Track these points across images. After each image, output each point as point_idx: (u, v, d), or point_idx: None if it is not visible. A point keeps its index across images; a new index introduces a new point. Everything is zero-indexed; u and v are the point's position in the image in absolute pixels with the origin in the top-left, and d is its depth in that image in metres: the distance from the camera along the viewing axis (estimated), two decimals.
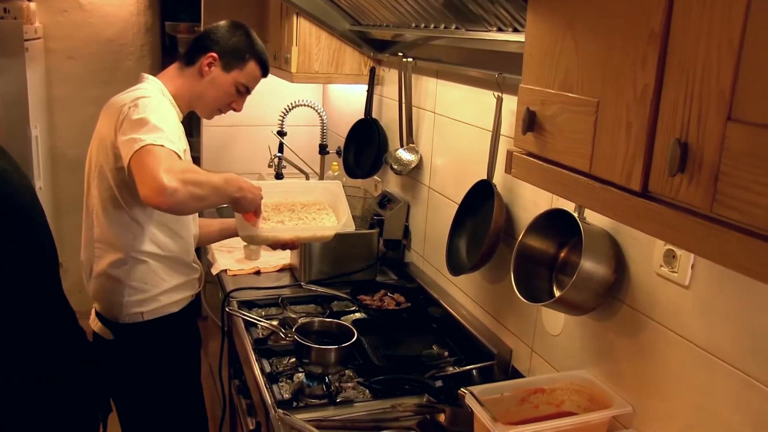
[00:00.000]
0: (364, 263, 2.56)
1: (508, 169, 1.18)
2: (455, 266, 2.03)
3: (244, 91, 2.04)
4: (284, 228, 1.99)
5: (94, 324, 2.00)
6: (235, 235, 2.21)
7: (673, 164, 0.82)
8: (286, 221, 2.03)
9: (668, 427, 1.38)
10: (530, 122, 1.11)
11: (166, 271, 1.97)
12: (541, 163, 1.11)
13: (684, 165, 0.81)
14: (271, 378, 1.88)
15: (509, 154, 1.18)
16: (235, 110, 2.07)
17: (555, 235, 1.64)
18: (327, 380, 1.84)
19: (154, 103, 1.79)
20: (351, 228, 2.05)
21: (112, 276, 1.92)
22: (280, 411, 1.51)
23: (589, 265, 1.45)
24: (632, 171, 0.90)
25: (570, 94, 1.03)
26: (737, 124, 0.75)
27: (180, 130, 1.81)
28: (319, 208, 2.13)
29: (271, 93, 3.48)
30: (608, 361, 1.55)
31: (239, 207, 1.82)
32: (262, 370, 1.93)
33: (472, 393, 1.42)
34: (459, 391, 1.43)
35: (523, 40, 1.52)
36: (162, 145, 1.61)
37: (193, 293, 2.08)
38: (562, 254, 1.65)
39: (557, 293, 1.55)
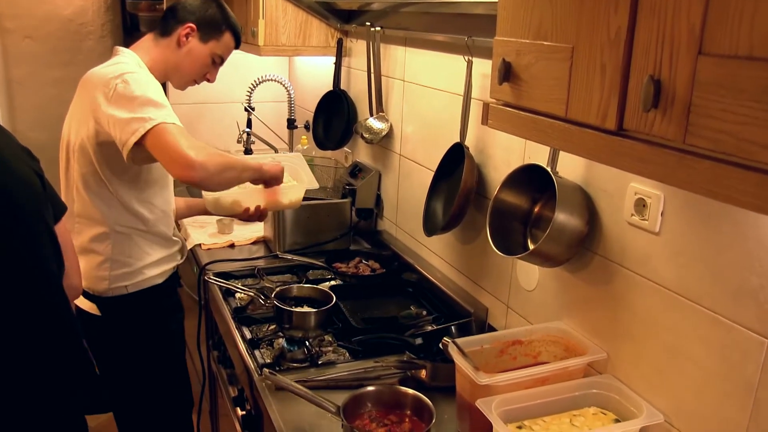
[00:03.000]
0: (338, 233, 2.57)
1: (484, 121, 1.21)
2: (430, 228, 2.05)
3: (218, 62, 2.05)
4: (249, 191, 1.99)
5: (78, 299, 1.99)
6: (203, 212, 2.24)
7: (647, 101, 0.85)
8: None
9: (641, 369, 1.43)
10: (506, 73, 1.14)
11: (149, 244, 1.98)
12: (517, 112, 1.14)
13: (657, 101, 0.85)
14: (252, 344, 1.89)
15: (485, 106, 1.21)
16: (209, 81, 2.07)
17: (529, 191, 1.67)
18: (307, 344, 1.86)
19: (143, 77, 1.77)
20: (314, 185, 2.08)
21: (94, 250, 1.91)
22: (267, 370, 1.53)
23: (562, 217, 1.49)
24: (607, 111, 0.94)
25: (545, 42, 1.07)
26: (707, 58, 0.79)
27: (162, 95, 1.79)
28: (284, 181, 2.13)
29: (237, 69, 3.47)
30: (582, 311, 1.60)
31: (272, 182, 1.91)
32: (242, 337, 1.94)
33: (455, 343, 1.45)
34: (443, 340, 1.46)
35: (492, 0, 1.55)
36: (174, 123, 1.65)
37: (175, 265, 2.08)
38: (536, 209, 1.68)
39: (532, 246, 1.59)
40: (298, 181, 2.13)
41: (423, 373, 1.67)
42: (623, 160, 0.92)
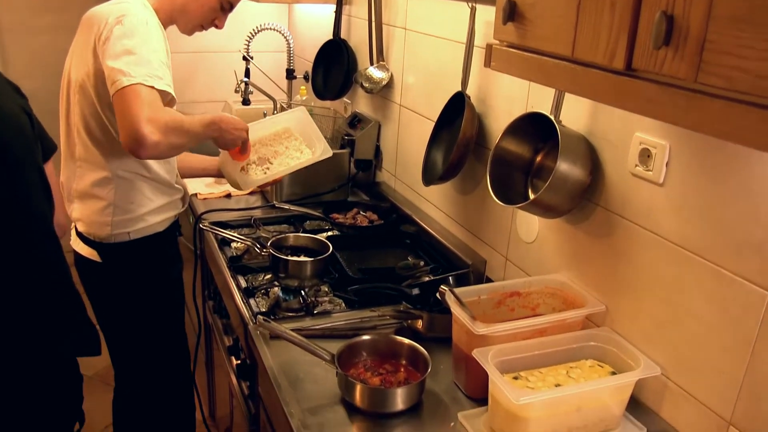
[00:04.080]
0: (336, 184, 2.55)
1: (487, 63, 1.17)
2: (428, 178, 2.03)
3: (227, 7, 1.98)
4: (264, 177, 2.00)
5: (76, 245, 1.96)
6: (216, 174, 2.21)
7: (658, 38, 0.82)
8: (267, 156, 2.04)
9: (639, 323, 1.42)
10: (510, 12, 1.10)
11: (152, 190, 1.94)
12: (521, 53, 1.10)
13: (669, 38, 0.81)
14: (248, 293, 1.88)
15: (488, 47, 1.17)
16: (217, 27, 2.00)
17: (531, 140, 1.64)
18: (303, 294, 1.84)
19: (141, 22, 1.69)
20: (329, 154, 2.04)
21: (97, 195, 1.88)
22: (261, 317, 1.51)
23: (564, 167, 1.45)
24: (616, 50, 0.90)
25: None
26: None
27: (165, 51, 1.73)
28: (288, 136, 2.12)
29: (235, 17, 3.36)
30: (582, 264, 1.58)
31: (220, 144, 1.85)
32: (237, 285, 1.92)
33: (452, 291, 1.43)
34: (440, 288, 1.44)
35: None
36: (151, 86, 1.58)
37: (177, 213, 2.06)
38: (538, 159, 1.65)
39: (532, 196, 1.56)
40: (308, 141, 2.10)
41: (419, 324, 1.65)
42: (631, 101, 0.89)
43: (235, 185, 2.01)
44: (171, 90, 1.66)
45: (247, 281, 1.96)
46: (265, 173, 2.01)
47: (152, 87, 1.59)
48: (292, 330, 1.50)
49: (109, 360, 2.13)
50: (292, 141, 2.11)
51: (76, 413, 1.74)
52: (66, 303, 1.59)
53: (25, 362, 1.50)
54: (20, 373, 1.56)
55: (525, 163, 1.66)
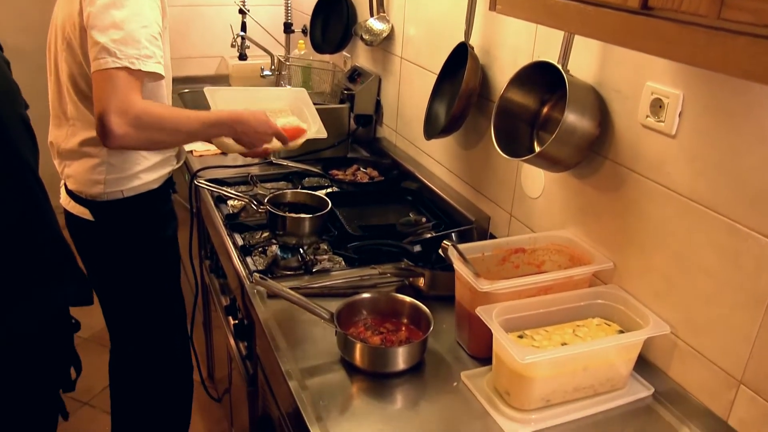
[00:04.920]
0: (335, 139, 2.52)
1: (492, 6, 1.12)
2: (430, 132, 2.00)
3: None
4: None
5: (67, 203, 1.93)
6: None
7: None
8: None
9: (648, 280, 1.38)
10: None
11: None
12: None
13: None
14: (245, 251, 1.85)
15: None
16: None
17: (538, 91, 1.59)
18: (301, 252, 1.82)
19: None
20: (323, 135, 2.00)
21: (89, 153, 1.83)
22: (257, 275, 1.49)
23: (572, 118, 1.41)
24: None
25: None
26: None
27: (157, 19, 1.64)
28: (285, 117, 2.07)
29: None
30: (589, 220, 1.54)
31: (236, 142, 1.78)
32: (234, 244, 1.90)
33: (455, 246, 1.40)
34: (443, 243, 1.42)
35: None
36: (138, 69, 1.52)
37: (171, 169, 2.02)
38: (545, 110, 1.61)
39: (538, 149, 1.52)
40: (302, 121, 2.05)
41: (421, 281, 1.64)
42: (647, 42, 0.84)
43: (221, 146, 1.97)
44: (160, 69, 1.58)
45: (244, 239, 1.94)
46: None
47: (139, 69, 1.53)
48: (291, 288, 1.48)
49: (104, 321, 2.11)
50: (289, 117, 2.07)
51: (71, 359, 1.74)
52: (56, 250, 1.56)
53: (15, 308, 1.48)
54: (10, 320, 1.55)
55: (531, 114, 1.62)
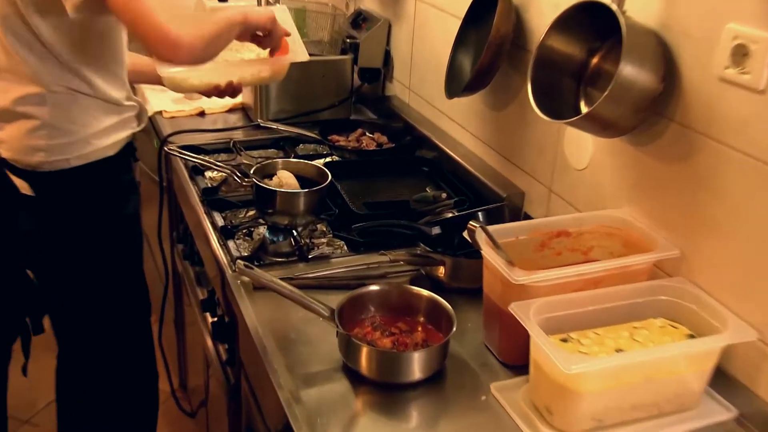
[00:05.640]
0: (335, 98, 2.53)
1: None
2: (453, 89, 1.98)
3: None
4: (217, 66, 1.92)
5: None
6: (154, 81, 2.16)
7: None
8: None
9: (727, 271, 1.35)
10: None
11: (97, 108, 1.87)
12: None
13: None
14: (226, 233, 1.84)
15: None
16: None
17: (585, 38, 1.56)
18: (295, 234, 1.81)
19: None
20: (304, 56, 1.99)
21: (26, 114, 1.80)
22: (241, 263, 1.48)
23: (629, 70, 1.37)
24: None
25: None
26: None
27: None
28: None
29: None
30: (649, 196, 1.52)
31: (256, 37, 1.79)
32: (213, 224, 1.89)
33: (484, 228, 1.37)
34: (468, 224, 1.40)
35: None
36: None
37: (132, 132, 1.99)
38: (594, 61, 1.58)
39: (586, 109, 1.49)
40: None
41: (441, 271, 1.63)
42: None
43: (171, 83, 1.97)
44: None
45: (225, 219, 1.93)
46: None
47: None
48: (282, 279, 1.47)
49: (49, 321, 2.08)
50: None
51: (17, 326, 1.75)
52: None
53: None
54: None
55: (577, 67, 1.59)
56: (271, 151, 2.36)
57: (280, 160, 1.97)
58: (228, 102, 2.62)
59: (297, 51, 1.96)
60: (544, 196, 1.84)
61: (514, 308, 1.25)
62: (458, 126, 2.22)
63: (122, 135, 1.94)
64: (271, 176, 1.90)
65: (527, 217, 1.89)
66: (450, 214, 1.75)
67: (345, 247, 1.82)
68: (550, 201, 1.82)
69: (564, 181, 1.77)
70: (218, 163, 2.02)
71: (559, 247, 1.53)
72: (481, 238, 1.39)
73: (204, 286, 2.12)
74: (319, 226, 1.90)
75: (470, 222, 1.41)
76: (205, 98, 2.44)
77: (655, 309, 1.35)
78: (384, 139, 2.36)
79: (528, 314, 1.24)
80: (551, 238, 1.52)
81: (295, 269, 1.70)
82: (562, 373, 1.15)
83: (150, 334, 2.22)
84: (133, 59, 2.11)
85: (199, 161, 2.05)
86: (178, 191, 2.27)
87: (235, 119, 2.57)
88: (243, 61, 2.02)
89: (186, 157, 2.08)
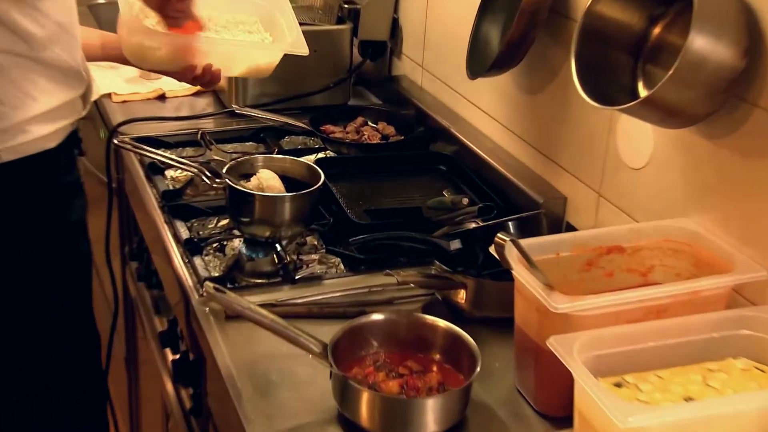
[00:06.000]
0: (330, 79, 2.55)
1: None
2: (476, 67, 1.99)
3: None
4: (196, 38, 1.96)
5: None
6: (125, 61, 2.18)
7: None
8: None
9: None
10: None
11: (37, 80, 1.85)
12: None
13: None
14: (192, 248, 1.84)
15: None
16: None
17: (645, 3, 1.57)
18: (279, 249, 1.81)
19: None
20: (303, 50, 2.03)
21: None
22: (210, 285, 1.47)
23: (701, 43, 1.36)
24: None
25: None
26: None
27: None
28: (250, 31, 2.14)
29: None
30: (726, 203, 1.51)
31: None
32: (175, 236, 1.90)
33: (515, 242, 1.36)
34: (496, 238, 1.39)
35: None
36: None
37: (76, 120, 1.98)
38: (655, 31, 1.58)
39: (645, 92, 1.48)
40: (275, 37, 2.12)
41: (461, 296, 1.62)
42: None
43: (136, 56, 2.00)
44: None
45: (190, 230, 1.94)
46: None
47: None
48: (261, 305, 1.47)
49: None
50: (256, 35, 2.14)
51: None
52: None
53: None
54: None
55: (634, 38, 1.59)
56: (249, 145, 2.36)
57: (260, 156, 1.98)
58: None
59: (295, 42, 2.01)
60: (591, 202, 1.85)
61: (554, 343, 1.24)
62: (483, 114, 2.23)
63: (65, 122, 1.93)
64: (248, 176, 1.90)
65: (570, 228, 1.89)
66: (473, 225, 1.76)
67: (341, 266, 1.82)
68: (598, 208, 1.82)
69: (617, 183, 1.77)
70: (182, 160, 2.03)
71: (611, 266, 1.52)
72: (511, 254, 1.38)
73: (163, 314, 2.12)
74: (308, 239, 1.91)
75: (498, 234, 1.41)
76: (166, 77, 2.45)
77: (736, 346, 1.33)
78: (391, 129, 2.36)
79: (571, 351, 1.22)
80: (601, 255, 1.51)
81: (279, 293, 1.70)
82: (617, 427, 1.13)
83: (100, 376, 2.22)
84: (101, 34, 2.16)
85: (158, 157, 2.06)
86: (131, 195, 2.26)
87: (203, 104, 2.57)
88: (232, 42, 2.05)
89: (141, 152, 2.09)
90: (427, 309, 1.63)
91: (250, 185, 1.84)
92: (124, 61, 2.20)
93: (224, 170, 1.86)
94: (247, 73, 2.17)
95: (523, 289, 1.37)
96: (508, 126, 2.13)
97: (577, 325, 1.30)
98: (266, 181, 1.85)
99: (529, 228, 1.73)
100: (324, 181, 1.85)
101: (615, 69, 1.59)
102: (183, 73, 2.01)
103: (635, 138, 1.70)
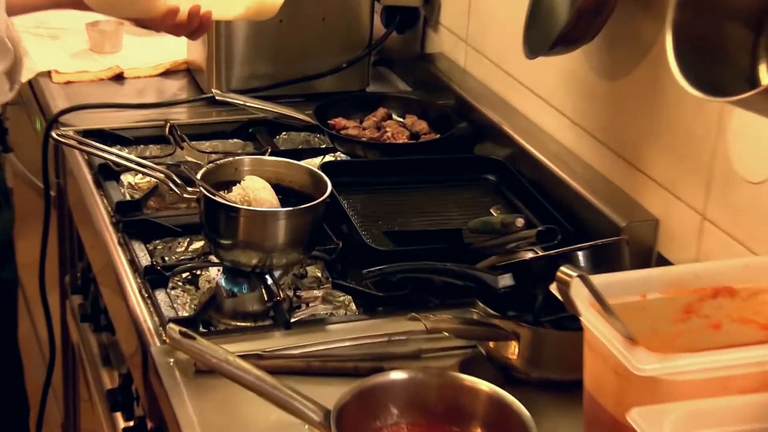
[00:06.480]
0: (343, 57, 2.57)
1: None
2: (536, 44, 1.99)
3: None
4: None
5: None
6: (71, 4, 2.23)
7: None
8: None
9: None
10: None
11: None
12: None
13: None
14: (153, 277, 1.85)
15: None
16: None
17: None
18: (270, 282, 1.81)
19: None
20: None
21: None
22: (175, 327, 1.46)
23: None
24: None
25: None
26: None
27: None
28: None
29: None
30: None
31: None
32: (132, 263, 1.91)
33: (585, 279, 1.34)
34: (558, 272, 1.36)
35: None
36: None
37: (1, 104, 2.00)
38: None
39: None
40: None
41: (512, 350, 1.61)
42: None
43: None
44: None
45: (153, 254, 1.96)
46: None
47: None
48: (243, 357, 1.47)
49: None
50: None
51: None
52: None
53: None
54: None
55: (754, 5, 1.57)
56: (234, 143, 2.38)
57: (247, 158, 1.98)
58: (165, 58, 2.67)
59: None
60: (692, 227, 1.84)
61: (638, 418, 1.23)
62: (546, 105, 2.22)
63: None
64: (231, 184, 1.90)
65: (663, 261, 1.89)
66: (530, 254, 1.74)
67: (352, 306, 1.83)
68: (702, 235, 1.82)
69: (727, 201, 1.77)
70: (144, 162, 2.01)
71: (718, 314, 1.50)
72: (580, 295, 1.37)
73: (114, 367, 2.12)
74: (309, 269, 1.92)
75: (562, 268, 1.39)
76: (125, 50, 2.47)
77: None
78: (423, 125, 2.36)
79: (661, 428, 1.21)
80: (704, 298, 1.50)
81: (269, 341, 1.71)
82: None
83: None
84: None
85: (113, 157, 2.05)
86: (74, 207, 2.27)
87: (174, 88, 2.60)
88: None
89: (90, 150, 2.08)
90: (466, 366, 1.63)
91: (233, 197, 1.84)
92: (80, 6, 2.18)
93: (199, 176, 1.85)
94: (246, 15, 2.17)
95: (596, 342, 1.36)
96: (579, 122, 2.13)
97: (669, 394, 1.29)
98: (254, 191, 1.85)
99: (605, 260, 1.71)
100: (331, 193, 1.85)
101: (727, 46, 1.58)
102: (162, 19, 2.02)
103: (754, 141, 1.70)
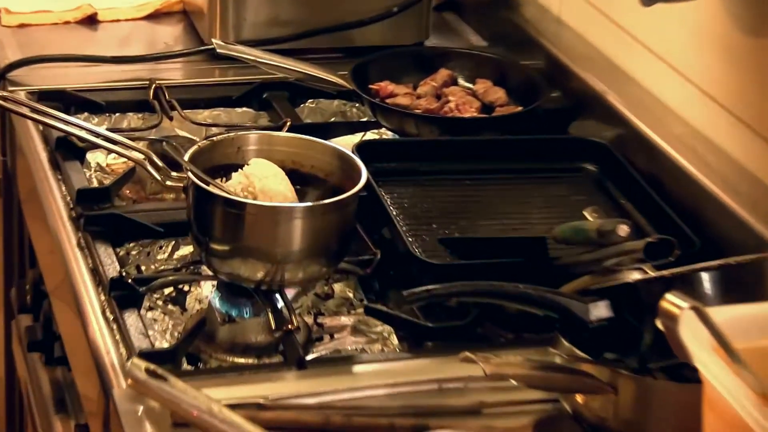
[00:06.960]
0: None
1: None
2: None
3: None
4: None
5: None
6: None
7: None
8: None
9: None
10: None
11: None
12: None
13: None
14: (123, 293, 1.84)
15: None
16: None
17: None
18: (281, 304, 1.81)
19: None
20: None
21: None
22: (140, 363, 1.44)
23: None
24: None
25: None
26: None
27: None
28: None
29: None
30: None
31: None
32: (94, 272, 1.90)
33: (700, 312, 1.31)
34: (664, 303, 1.33)
35: None
36: None
37: None
38: None
39: None
40: None
41: (608, 406, 1.59)
42: None
43: None
44: None
45: (123, 262, 1.96)
46: None
47: None
48: (236, 407, 1.47)
49: None
50: None
51: None
52: None
53: None
54: None
55: None
56: (242, 113, 2.39)
57: (254, 134, 1.98)
58: None
59: None
60: None
61: None
62: (668, 69, 2.21)
63: None
64: (232, 170, 1.90)
65: None
66: (636, 274, 1.73)
67: (392, 339, 1.82)
68: None
69: None
70: (117, 137, 2.03)
71: None
72: (694, 334, 1.35)
73: (71, 414, 2.13)
74: (336, 287, 1.92)
75: (668, 296, 1.37)
76: None
77: None
78: (499, 94, 2.37)
79: None
80: None
81: (275, 384, 1.70)
82: None
83: None
84: None
85: (75, 130, 2.06)
86: (25, 196, 2.29)
87: (164, 36, 2.63)
88: None
89: (45, 120, 2.08)
90: (543, 428, 1.62)
91: (233, 186, 1.83)
92: None
93: (187, 157, 1.84)
94: None
95: (719, 401, 1.35)
96: (714, 94, 2.11)
97: None
98: (262, 179, 1.84)
99: (742, 286, 1.69)
100: (368, 184, 1.85)
101: None
102: None
103: None
